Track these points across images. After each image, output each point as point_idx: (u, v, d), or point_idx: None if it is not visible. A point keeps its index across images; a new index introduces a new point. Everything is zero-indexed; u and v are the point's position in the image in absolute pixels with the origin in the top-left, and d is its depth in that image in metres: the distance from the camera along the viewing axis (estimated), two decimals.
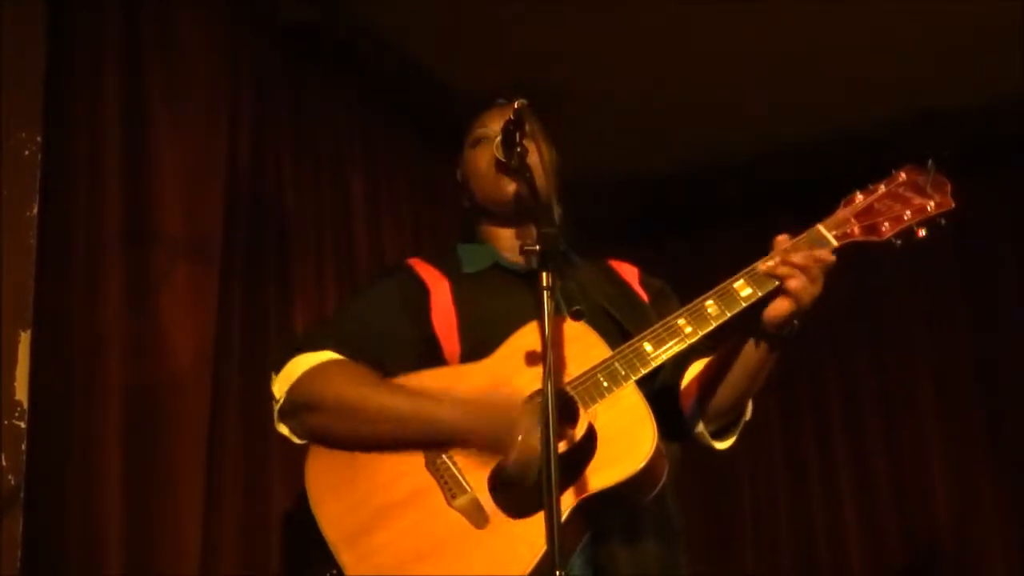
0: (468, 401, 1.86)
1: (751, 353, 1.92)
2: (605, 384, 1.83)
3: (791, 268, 1.84)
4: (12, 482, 2.56)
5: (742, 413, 2.05)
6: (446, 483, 1.83)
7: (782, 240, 1.90)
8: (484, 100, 2.24)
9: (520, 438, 1.81)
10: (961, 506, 4.31)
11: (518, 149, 1.95)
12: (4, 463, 2.55)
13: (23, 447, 2.60)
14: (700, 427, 2.01)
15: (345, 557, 1.80)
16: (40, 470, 2.64)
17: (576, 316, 1.97)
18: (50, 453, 2.67)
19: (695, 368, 2.05)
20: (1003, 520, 4.24)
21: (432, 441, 1.85)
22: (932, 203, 1.93)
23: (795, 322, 1.87)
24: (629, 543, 1.86)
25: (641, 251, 4.50)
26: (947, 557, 4.29)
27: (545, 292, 1.68)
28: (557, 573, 1.52)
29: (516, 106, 1.92)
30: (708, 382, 1.99)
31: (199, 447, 2.92)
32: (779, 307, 1.85)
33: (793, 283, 1.83)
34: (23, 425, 2.60)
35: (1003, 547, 4.22)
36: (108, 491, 2.71)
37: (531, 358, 1.87)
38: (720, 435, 2.05)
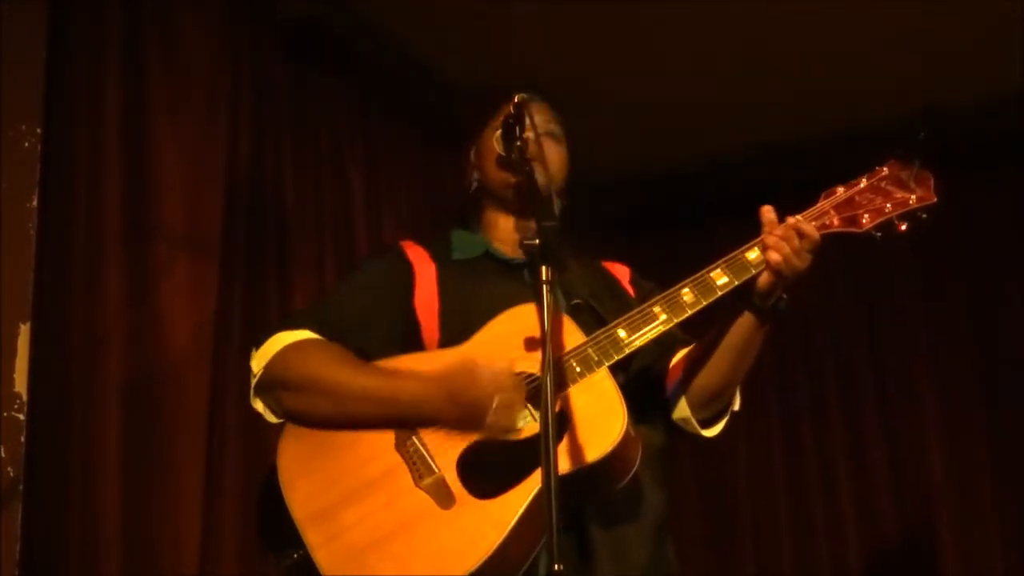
0: (434, 376, 1.86)
1: (738, 329, 1.94)
2: (578, 369, 1.85)
3: (774, 240, 1.87)
4: (12, 474, 2.56)
5: (730, 401, 2.05)
6: (414, 464, 1.84)
7: (767, 209, 1.92)
8: (483, 93, 2.24)
9: (495, 396, 1.81)
10: (960, 502, 4.31)
11: (517, 143, 1.96)
12: (3, 455, 2.55)
13: (22, 439, 2.60)
14: (684, 411, 2.01)
15: (310, 536, 1.81)
16: (39, 462, 2.64)
17: (576, 311, 1.98)
18: (50, 445, 2.67)
19: (684, 352, 2.06)
20: (1002, 515, 4.25)
21: (402, 418, 1.87)
22: (914, 197, 1.95)
23: (782, 296, 1.90)
24: (609, 536, 1.87)
25: (642, 246, 4.54)
26: (947, 553, 4.29)
27: (545, 286, 1.68)
28: (556, 567, 1.52)
29: (516, 100, 1.93)
30: (694, 363, 2.00)
31: (198, 439, 2.92)
32: (762, 279, 1.88)
33: (773, 255, 1.86)
34: (22, 417, 2.61)
35: (1001, 543, 4.22)
36: (107, 483, 2.72)
37: (509, 343, 1.88)
38: (708, 424, 2.04)
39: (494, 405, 1.80)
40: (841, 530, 4.51)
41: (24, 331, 2.64)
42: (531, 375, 1.86)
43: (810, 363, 4.69)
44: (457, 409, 1.83)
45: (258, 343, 1.99)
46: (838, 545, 4.50)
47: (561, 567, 1.52)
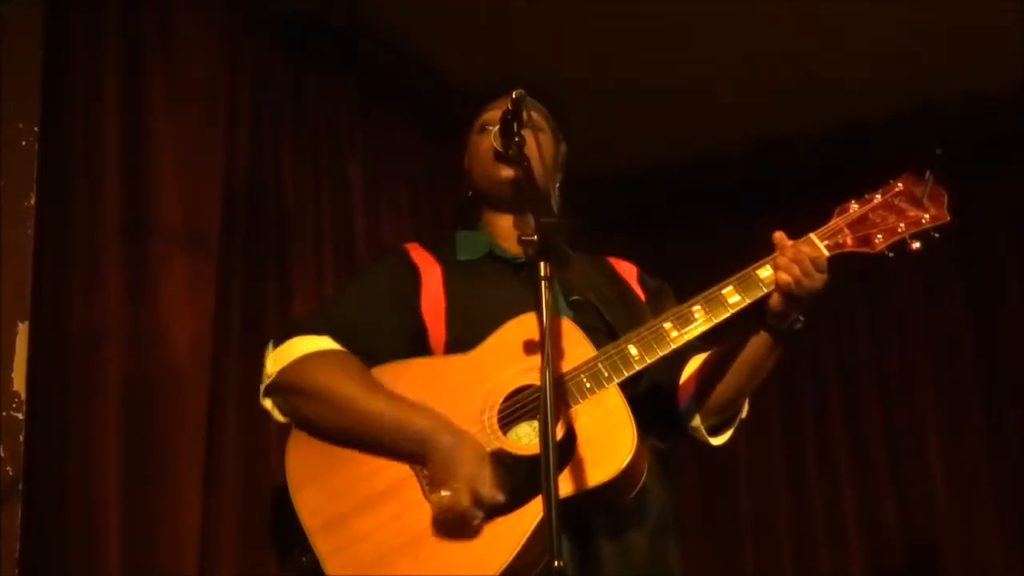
0: (446, 421, 1.85)
1: (753, 347, 1.92)
2: (588, 385, 1.83)
3: (784, 262, 1.84)
4: (11, 473, 2.56)
5: (739, 410, 2.04)
6: (425, 476, 1.84)
7: (779, 236, 1.90)
8: (481, 91, 2.24)
9: (461, 484, 1.78)
10: (961, 504, 4.30)
11: (516, 139, 1.96)
12: (3, 454, 2.55)
13: (21, 438, 2.60)
14: (696, 422, 2.00)
15: (321, 546, 1.81)
16: (38, 461, 2.64)
17: (575, 306, 1.98)
18: (48, 444, 2.67)
19: (695, 363, 2.04)
20: (1003, 516, 4.23)
21: (401, 447, 1.85)
22: (927, 215, 1.92)
23: (796, 316, 1.88)
24: (613, 537, 1.86)
25: (643, 242, 4.53)
26: (947, 555, 4.28)
27: (543, 282, 1.68)
28: (556, 563, 1.51)
29: (514, 95, 1.92)
30: (707, 376, 1.98)
31: (197, 437, 2.92)
32: (775, 300, 1.86)
33: (783, 276, 1.84)
34: (21, 416, 2.60)
35: (1003, 545, 4.21)
36: (106, 481, 2.71)
37: (517, 352, 1.87)
38: (716, 431, 2.03)
39: (457, 485, 1.78)
40: (842, 531, 4.49)
41: (22, 330, 2.64)
42: (538, 388, 1.84)
43: (811, 364, 4.68)
44: (436, 467, 1.82)
45: (276, 342, 1.99)
46: (838, 546, 4.49)
47: (562, 563, 1.51)
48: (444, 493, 1.78)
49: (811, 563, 4.52)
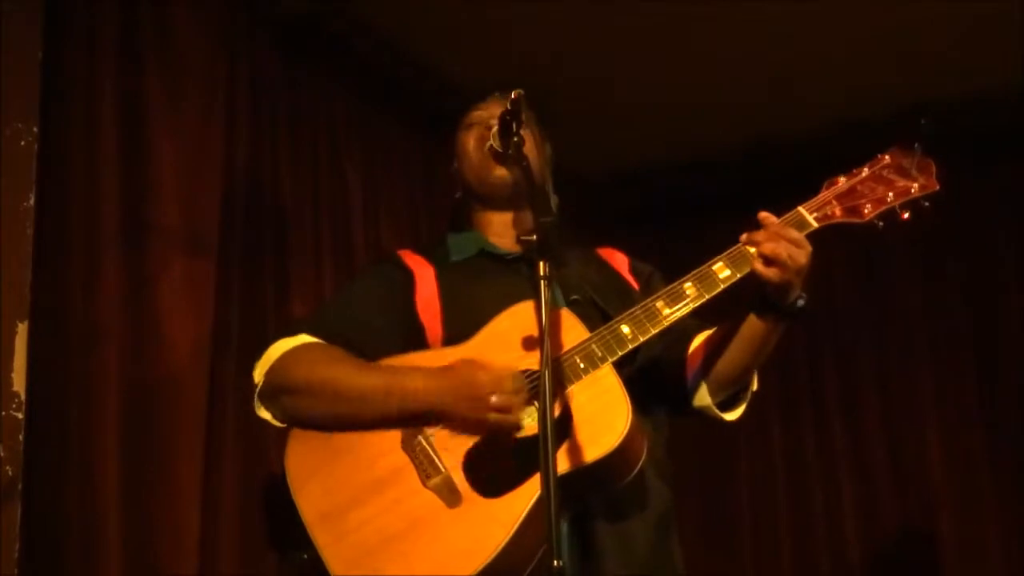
0: (437, 369, 1.87)
1: (755, 324, 1.91)
2: (582, 366, 1.84)
3: (766, 243, 1.83)
4: (10, 473, 2.56)
5: (748, 384, 2.04)
6: (421, 463, 1.85)
7: (765, 216, 1.89)
8: (481, 92, 2.24)
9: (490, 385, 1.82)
10: (961, 501, 4.30)
11: (515, 139, 1.96)
12: (2, 454, 2.55)
13: (21, 438, 2.60)
14: (705, 399, 2.00)
15: (320, 537, 1.83)
16: (38, 461, 2.64)
17: (574, 307, 1.98)
18: (48, 444, 2.67)
19: (700, 338, 2.04)
20: (1003, 513, 4.24)
21: (406, 413, 1.87)
22: (916, 185, 1.93)
23: (798, 294, 1.86)
24: (614, 531, 1.87)
25: (643, 243, 4.52)
26: (946, 551, 4.28)
27: (542, 281, 1.68)
28: (556, 563, 1.52)
29: (513, 96, 1.93)
30: (712, 351, 1.98)
31: (197, 439, 2.92)
32: (766, 277, 1.84)
33: (772, 270, 1.82)
34: (21, 416, 2.60)
35: (1002, 541, 4.21)
36: (106, 482, 2.71)
37: (513, 340, 1.88)
38: (727, 407, 2.04)
39: (492, 402, 1.80)
40: (841, 529, 4.50)
41: (22, 330, 2.64)
42: (534, 372, 1.86)
43: (811, 362, 4.68)
44: (460, 401, 1.83)
45: (259, 354, 2.01)
46: (838, 545, 4.49)
47: (562, 563, 1.52)
48: (491, 416, 1.80)
49: (811, 562, 4.53)
